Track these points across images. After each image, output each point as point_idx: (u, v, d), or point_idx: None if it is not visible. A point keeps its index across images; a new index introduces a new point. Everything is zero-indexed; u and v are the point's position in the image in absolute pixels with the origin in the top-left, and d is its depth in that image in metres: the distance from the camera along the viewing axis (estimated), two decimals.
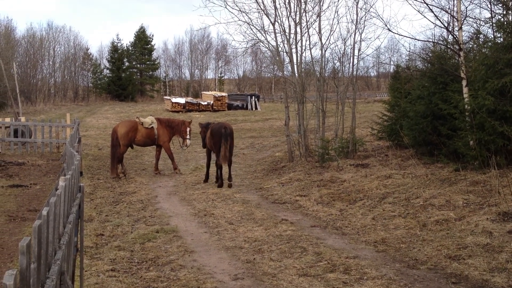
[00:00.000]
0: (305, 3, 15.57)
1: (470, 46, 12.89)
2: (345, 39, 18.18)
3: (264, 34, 16.42)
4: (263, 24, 25.41)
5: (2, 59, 29.92)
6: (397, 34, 41.04)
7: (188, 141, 15.08)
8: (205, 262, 6.83)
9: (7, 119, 20.09)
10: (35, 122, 19.36)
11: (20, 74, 48.63)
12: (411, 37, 37.22)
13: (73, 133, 13.90)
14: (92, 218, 9.39)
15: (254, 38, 16.51)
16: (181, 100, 43.95)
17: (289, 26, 15.81)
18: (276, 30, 15.88)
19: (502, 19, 10.84)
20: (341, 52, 16.29)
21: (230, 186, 12.48)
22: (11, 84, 29.08)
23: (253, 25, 16.02)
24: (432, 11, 11.96)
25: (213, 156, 13.06)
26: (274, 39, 16.01)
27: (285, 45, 16.07)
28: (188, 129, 14.97)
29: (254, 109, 44.85)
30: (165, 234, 8.23)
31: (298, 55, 15.86)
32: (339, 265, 6.41)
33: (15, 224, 8.95)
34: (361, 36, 16.33)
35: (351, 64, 15.79)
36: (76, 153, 8.53)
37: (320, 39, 15.46)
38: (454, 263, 6.26)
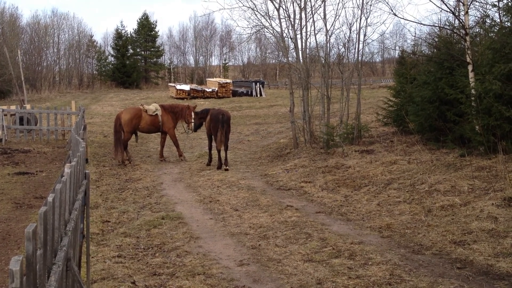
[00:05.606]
0: None
1: (477, 30, 12.75)
2: (350, 24, 18.17)
3: (268, 20, 16.44)
4: (268, 10, 25.20)
5: (7, 47, 29.96)
6: (403, 18, 40.81)
7: (192, 125, 15.06)
8: (211, 248, 6.87)
9: (13, 107, 20.14)
10: (40, 110, 19.41)
11: (25, 61, 48.68)
12: (417, 21, 36.76)
13: (78, 120, 13.94)
14: (98, 204, 9.44)
15: (259, 24, 16.46)
16: (186, 87, 43.86)
17: (294, 11, 15.74)
18: (281, 16, 15.80)
19: (509, 3, 10.70)
20: (346, 37, 16.25)
21: (226, 169, 12.94)
22: (16, 71, 29.13)
23: (257, 11, 16.02)
24: None
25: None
26: (279, 25, 15.94)
27: (290, 31, 16.00)
28: (193, 114, 14.98)
29: (259, 95, 44.69)
30: (170, 221, 8.27)
31: (303, 41, 15.79)
32: (344, 251, 6.43)
33: (22, 211, 9.01)
34: (366, 21, 16.29)
35: (356, 49, 15.68)
36: (82, 140, 8.55)
37: (325, 24, 15.34)
38: (459, 248, 6.26)
